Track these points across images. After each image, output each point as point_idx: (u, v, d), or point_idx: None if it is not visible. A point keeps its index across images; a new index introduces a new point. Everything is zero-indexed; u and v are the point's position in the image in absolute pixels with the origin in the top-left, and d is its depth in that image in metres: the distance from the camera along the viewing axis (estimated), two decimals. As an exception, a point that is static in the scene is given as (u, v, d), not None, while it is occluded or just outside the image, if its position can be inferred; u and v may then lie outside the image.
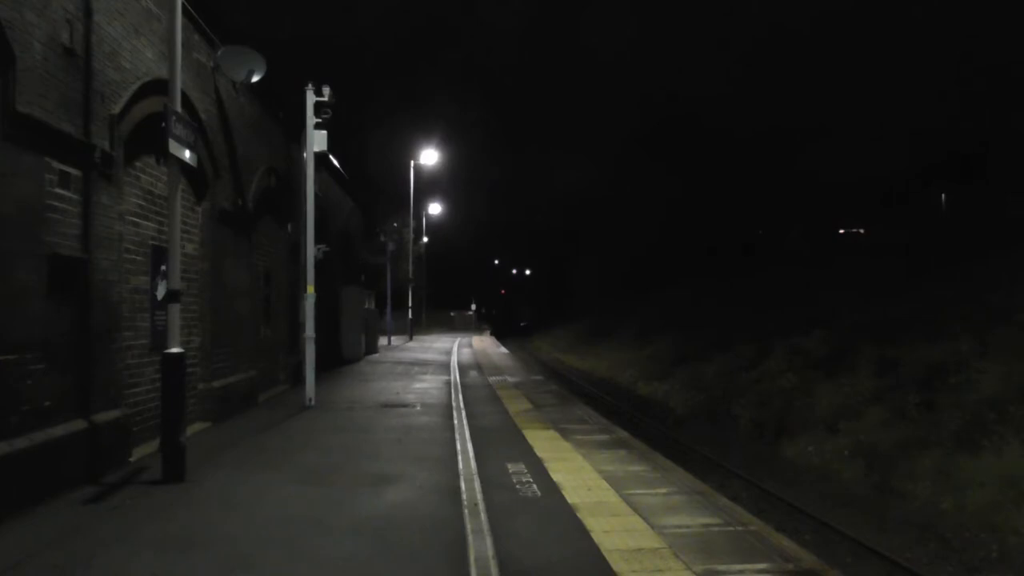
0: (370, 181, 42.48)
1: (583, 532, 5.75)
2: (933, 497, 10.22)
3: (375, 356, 26.43)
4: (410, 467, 7.90)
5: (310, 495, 6.68)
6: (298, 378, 14.81)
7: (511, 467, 8.05)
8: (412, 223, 40.29)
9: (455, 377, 18.56)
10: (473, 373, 20.34)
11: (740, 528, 5.90)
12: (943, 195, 31.32)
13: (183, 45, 7.98)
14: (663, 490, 7.13)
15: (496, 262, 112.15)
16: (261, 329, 13.57)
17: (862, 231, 34.56)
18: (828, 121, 37.67)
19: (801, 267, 27.56)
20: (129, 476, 7.25)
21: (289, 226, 15.65)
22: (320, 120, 12.92)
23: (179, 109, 7.44)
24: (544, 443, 9.55)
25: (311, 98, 12.81)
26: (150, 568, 4.82)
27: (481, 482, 7.23)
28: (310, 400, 12.58)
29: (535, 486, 7.22)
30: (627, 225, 60.99)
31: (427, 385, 16.64)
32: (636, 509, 6.40)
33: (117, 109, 7.53)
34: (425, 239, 48.87)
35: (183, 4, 7.99)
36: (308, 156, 13.12)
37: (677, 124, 58.14)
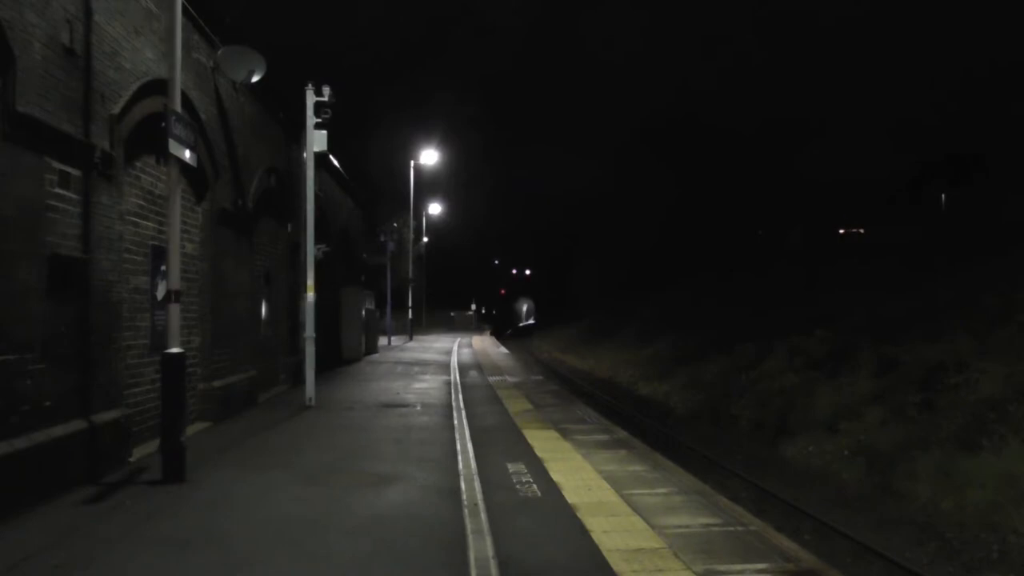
0: (370, 181, 42.55)
1: (583, 532, 5.75)
2: (933, 497, 10.22)
3: (375, 356, 26.43)
4: (410, 467, 7.90)
5: (310, 495, 6.68)
6: (298, 378, 14.81)
7: (511, 467, 8.06)
8: (412, 223, 40.29)
9: (455, 377, 18.56)
10: (473, 373, 20.33)
11: (740, 528, 5.90)
12: (943, 195, 31.34)
13: (183, 45, 7.98)
14: (663, 490, 7.13)
15: (496, 262, 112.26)
16: (261, 329, 13.57)
17: (861, 231, 34.57)
18: (828, 121, 37.75)
19: (801, 267, 27.56)
20: (129, 476, 7.25)
21: (289, 226, 15.64)
22: (320, 120, 12.92)
23: (179, 109, 7.44)
24: (544, 443, 9.55)
25: (311, 98, 12.81)
26: (150, 568, 4.82)
27: (481, 482, 7.23)
28: (310, 400, 12.58)
29: (535, 486, 7.22)
30: (627, 225, 61.14)
31: (427, 385, 16.64)
32: (636, 509, 6.40)
33: (117, 109, 7.53)
34: (425, 239, 48.87)
35: (183, 4, 7.99)
36: (308, 156, 13.11)
37: (678, 123, 58.24)
